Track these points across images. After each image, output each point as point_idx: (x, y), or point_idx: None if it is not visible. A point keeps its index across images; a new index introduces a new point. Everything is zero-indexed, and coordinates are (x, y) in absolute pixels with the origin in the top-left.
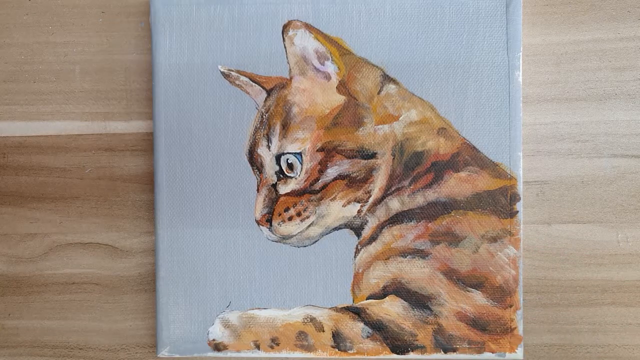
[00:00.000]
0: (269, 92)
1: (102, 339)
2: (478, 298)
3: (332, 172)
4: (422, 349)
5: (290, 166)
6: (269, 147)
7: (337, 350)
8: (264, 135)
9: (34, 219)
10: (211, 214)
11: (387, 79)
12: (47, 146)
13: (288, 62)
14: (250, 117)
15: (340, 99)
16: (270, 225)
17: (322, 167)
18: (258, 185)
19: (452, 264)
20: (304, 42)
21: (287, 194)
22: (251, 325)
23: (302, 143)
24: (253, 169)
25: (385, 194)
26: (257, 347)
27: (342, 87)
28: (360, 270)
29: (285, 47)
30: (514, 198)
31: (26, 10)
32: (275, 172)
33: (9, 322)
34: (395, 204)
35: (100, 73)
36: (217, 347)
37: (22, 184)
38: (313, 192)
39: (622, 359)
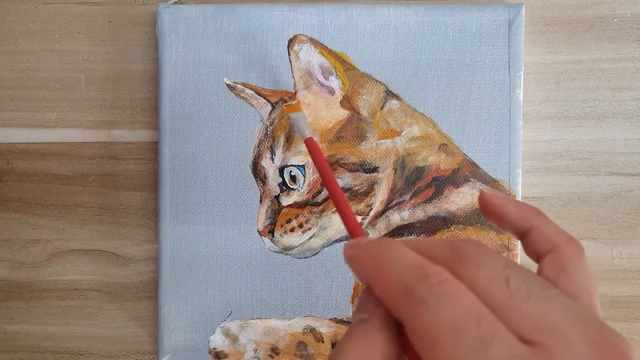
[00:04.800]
0: (273, 105)
1: (103, 345)
2: None
3: None
4: None
5: (293, 178)
6: (272, 159)
7: None
8: (268, 148)
9: (36, 225)
10: (214, 224)
11: (390, 94)
12: (51, 153)
13: (293, 76)
14: (255, 130)
15: (343, 113)
16: (273, 236)
17: None
18: (261, 197)
19: None
20: (309, 57)
21: (289, 206)
22: (252, 334)
23: (305, 156)
24: (256, 181)
25: (386, 207)
26: (258, 356)
27: (346, 101)
28: (361, 282)
29: (290, 61)
30: None
31: (32, 17)
32: (278, 184)
33: (11, 327)
34: (396, 218)
35: (106, 82)
36: (218, 355)
37: (25, 190)
38: (315, 204)
39: None
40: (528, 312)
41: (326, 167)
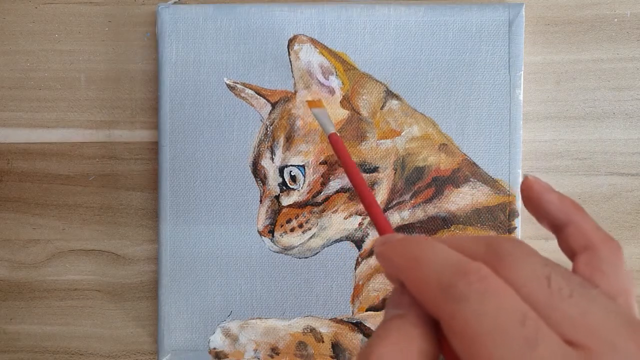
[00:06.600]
0: (273, 105)
1: (103, 345)
2: None
3: (334, 185)
4: None
5: (293, 178)
6: (272, 159)
7: None
8: (267, 148)
9: (37, 225)
10: (214, 224)
11: (390, 94)
12: (51, 153)
13: (293, 76)
14: (255, 130)
15: (343, 113)
16: (273, 236)
17: (325, 179)
18: (261, 197)
19: None
20: (309, 57)
21: (289, 206)
22: (252, 334)
23: (305, 156)
24: (256, 181)
25: (387, 207)
26: (258, 356)
27: (346, 101)
28: (361, 283)
29: (290, 61)
30: (513, 214)
31: (32, 17)
32: (278, 184)
33: (11, 327)
34: (396, 218)
35: (106, 82)
36: (218, 355)
37: (25, 190)
38: (315, 204)
39: None
40: (570, 312)
41: (352, 164)
